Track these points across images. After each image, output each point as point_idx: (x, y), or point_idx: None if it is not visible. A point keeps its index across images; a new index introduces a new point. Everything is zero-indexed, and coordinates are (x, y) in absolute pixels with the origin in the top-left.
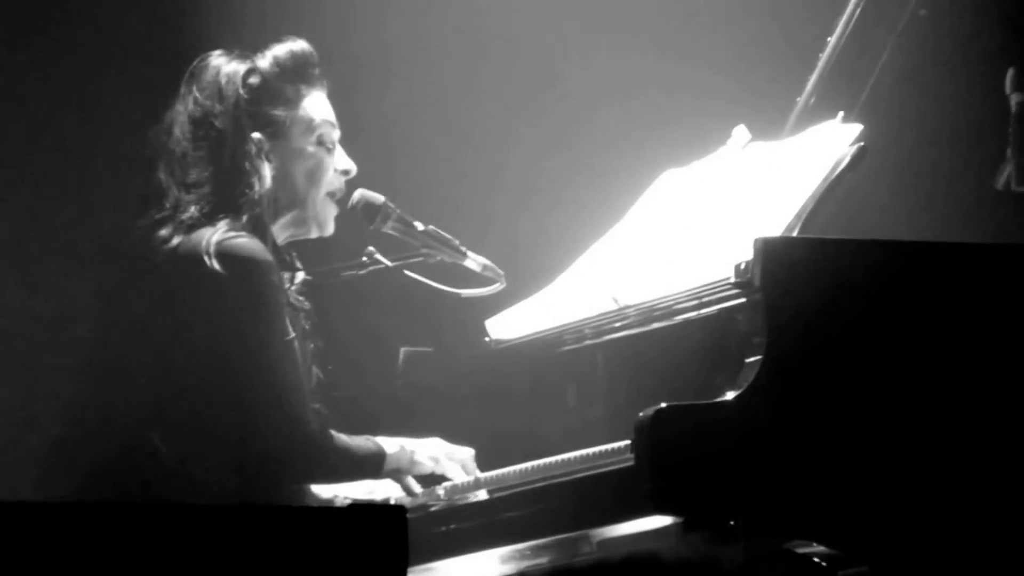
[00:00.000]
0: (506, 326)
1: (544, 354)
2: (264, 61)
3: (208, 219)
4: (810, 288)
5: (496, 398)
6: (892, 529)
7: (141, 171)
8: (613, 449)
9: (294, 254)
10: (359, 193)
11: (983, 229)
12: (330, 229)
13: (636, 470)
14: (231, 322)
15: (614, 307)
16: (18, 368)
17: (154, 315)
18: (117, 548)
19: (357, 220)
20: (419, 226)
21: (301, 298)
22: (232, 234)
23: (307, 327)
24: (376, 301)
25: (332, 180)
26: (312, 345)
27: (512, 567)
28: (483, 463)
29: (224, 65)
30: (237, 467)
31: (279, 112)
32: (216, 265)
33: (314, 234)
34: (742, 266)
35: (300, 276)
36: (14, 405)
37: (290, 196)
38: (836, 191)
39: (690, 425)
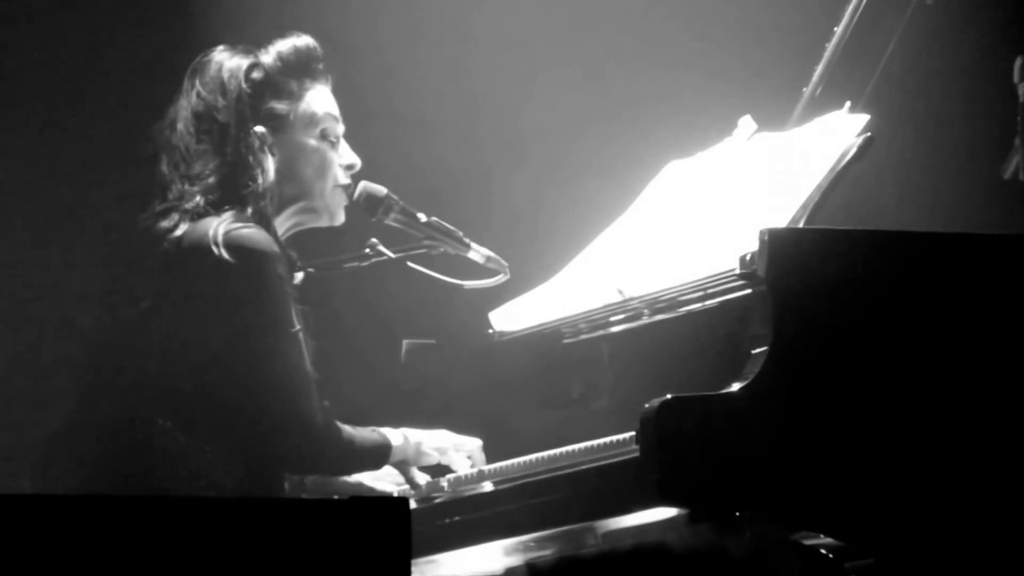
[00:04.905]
0: (510, 318)
1: (548, 346)
2: (267, 56)
3: (214, 209)
4: (816, 279)
5: (500, 390)
6: (898, 521)
7: (145, 165)
8: (618, 441)
9: (294, 254)
10: (362, 185)
11: (990, 219)
12: (341, 218)
13: (641, 462)
14: (237, 311)
15: (619, 299)
16: (23, 359)
17: (159, 304)
18: (118, 541)
19: (360, 212)
20: (422, 217)
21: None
22: (239, 224)
23: (307, 324)
24: (379, 293)
25: (338, 173)
26: (313, 343)
27: (516, 559)
28: (487, 455)
29: (227, 60)
30: (243, 457)
31: (282, 106)
32: (224, 254)
33: (324, 223)
34: (748, 257)
35: (299, 277)
36: (19, 396)
37: (296, 189)
38: (843, 182)
39: (696, 416)
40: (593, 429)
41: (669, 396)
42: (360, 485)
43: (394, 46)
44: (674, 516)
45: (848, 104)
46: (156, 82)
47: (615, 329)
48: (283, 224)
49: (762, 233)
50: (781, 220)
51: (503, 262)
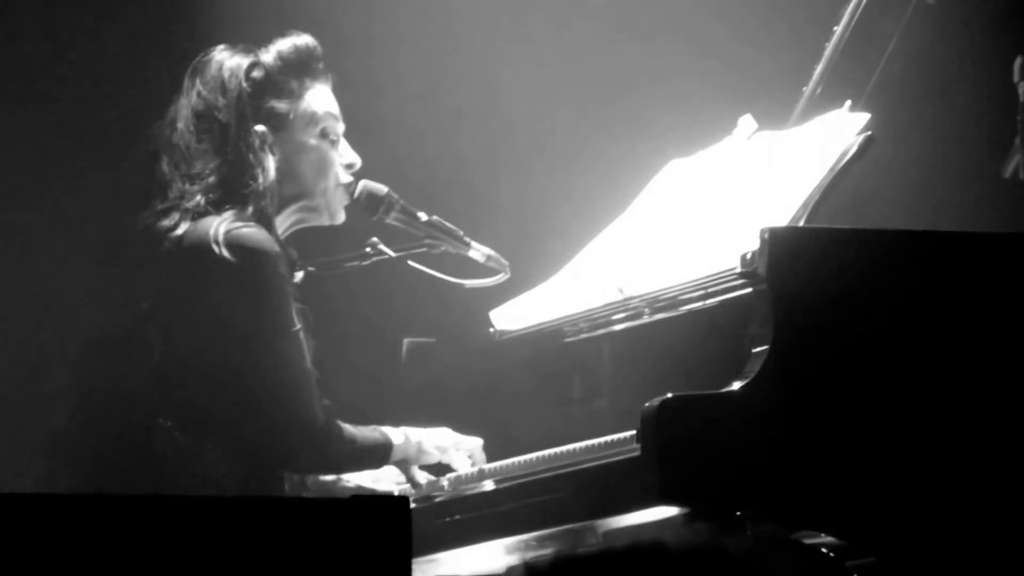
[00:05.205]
0: (510, 317)
1: (549, 345)
2: (267, 55)
3: (214, 208)
4: (816, 278)
5: (501, 389)
6: (899, 520)
7: (146, 165)
8: (618, 440)
9: (294, 252)
10: (362, 184)
11: (990, 218)
12: (341, 217)
13: (642, 461)
14: (239, 311)
15: (619, 297)
16: (23, 359)
17: (159, 303)
18: (119, 541)
19: (360, 211)
20: (422, 216)
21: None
22: (239, 223)
23: (307, 323)
24: (379, 292)
25: (338, 172)
26: (313, 342)
27: (517, 558)
28: (488, 454)
29: (227, 59)
30: (244, 456)
31: (282, 105)
32: (226, 253)
33: (325, 222)
34: (748, 256)
35: (299, 276)
36: (20, 396)
37: (297, 188)
38: (843, 181)
39: (696, 415)
40: (593, 428)
41: (669, 395)
42: (359, 487)
43: (395, 44)
44: (674, 515)
45: (848, 103)
46: (156, 81)
47: (616, 328)
48: (284, 223)
49: (763, 232)
50: (782, 219)
51: (503, 261)
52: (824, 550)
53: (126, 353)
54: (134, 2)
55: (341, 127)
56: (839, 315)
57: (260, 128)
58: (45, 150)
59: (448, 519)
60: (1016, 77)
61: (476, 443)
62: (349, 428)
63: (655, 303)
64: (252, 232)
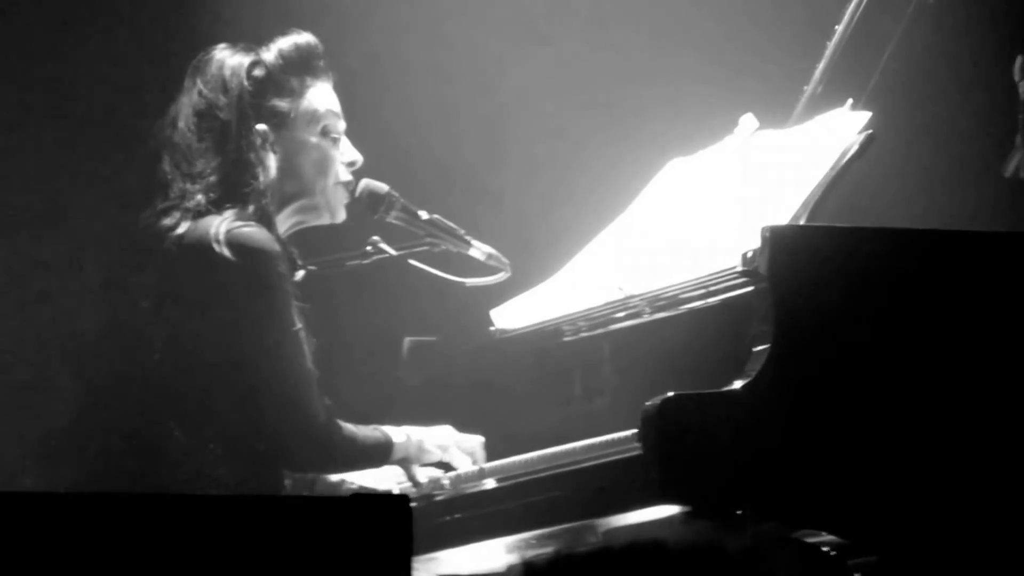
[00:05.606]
0: (511, 315)
1: (550, 344)
2: (268, 54)
3: (215, 207)
4: (818, 277)
5: (501, 388)
6: (901, 519)
7: (147, 164)
8: (619, 438)
9: (295, 251)
10: (363, 182)
11: (991, 217)
12: (342, 215)
13: (643, 459)
14: (238, 310)
15: (620, 296)
16: (24, 358)
17: (160, 303)
18: (120, 539)
19: (361, 209)
20: (423, 215)
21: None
22: (240, 223)
23: (308, 322)
24: (380, 291)
25: (339, 170)
26: (314, 341)
27: (517, 557)
28: (488, 453)
29: (228, 58)
30: (245, 455)
31: (283, 104)
32: (226, 252)
33: (325, 220)
34: (749, 255)
35: (300, 275)
36: (21, 395)
37: (297, 186)
38: (844, 179)
39: (697, 414)
40: (594, 427)
41: (671, 394)
42: (362, 488)
43: (396, 42)
44: (675, 514)
45: (850, 102)
46: (157, 80)
47: (617, 327)
48: (284, 222)
49: (764, 230)
50: (783, 217)
51: (504, 260)
52: (825, 549)
53: (127, 352)
54: (135, 1)
55: (342, 125)
56: (840, 313)
57: (261, 127)
58: (45, 150)
59: (448, 518)
60: (1016, 76)
61: (477, 441)
62: (350, 427)
63: (656, 302)
64: (253, 231)
